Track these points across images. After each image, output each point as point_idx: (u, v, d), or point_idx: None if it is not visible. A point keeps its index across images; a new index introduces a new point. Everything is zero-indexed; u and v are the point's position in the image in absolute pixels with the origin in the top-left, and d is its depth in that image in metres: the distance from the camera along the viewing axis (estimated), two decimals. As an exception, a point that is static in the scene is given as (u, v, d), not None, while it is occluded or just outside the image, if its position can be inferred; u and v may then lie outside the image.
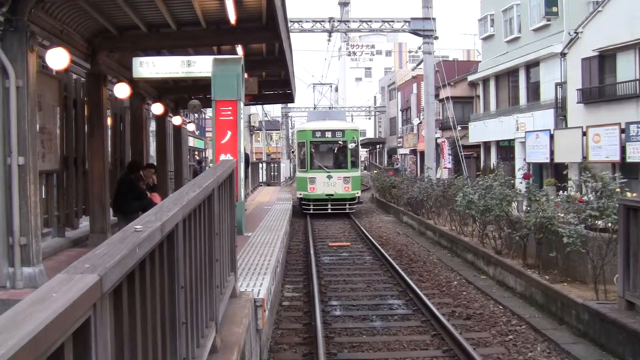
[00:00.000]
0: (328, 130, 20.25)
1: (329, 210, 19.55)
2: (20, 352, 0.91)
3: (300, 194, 20.17)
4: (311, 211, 19.32)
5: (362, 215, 20.65)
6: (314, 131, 20.21)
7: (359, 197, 20.88)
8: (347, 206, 19.76)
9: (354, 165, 20.22)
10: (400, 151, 46.29)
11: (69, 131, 8.54)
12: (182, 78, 10.86)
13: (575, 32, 20.26)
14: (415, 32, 21.10)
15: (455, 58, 45.95)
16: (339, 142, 20.09)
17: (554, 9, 21.71)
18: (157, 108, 13.06)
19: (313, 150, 20.16)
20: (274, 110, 58.19)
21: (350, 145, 19.88)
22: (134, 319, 1.73)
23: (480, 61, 30.79)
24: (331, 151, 20.56)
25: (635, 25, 17.21)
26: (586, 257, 7.16)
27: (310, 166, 19.87)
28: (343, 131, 20.12)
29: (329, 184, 19.56)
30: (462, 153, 20.42)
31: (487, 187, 10.33)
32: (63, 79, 8.35)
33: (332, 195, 19.57)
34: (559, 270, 7.87)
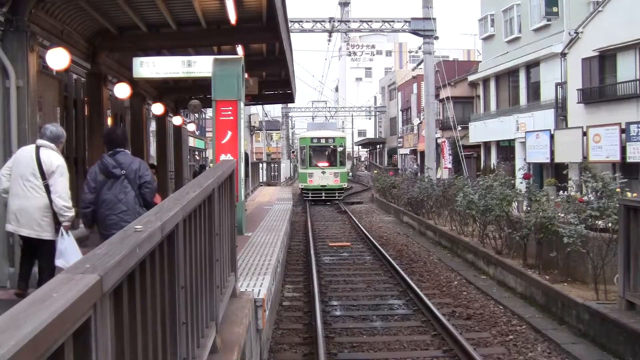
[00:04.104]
0: (323, 138, 27.31)
1: (323, 197, 25.63)
2: (21, 352, 0.91)
3: (302, 185, 26.90)
4: (310, 197, 25.46)
5: (363, 215, 20.68)
6: (312, 138, 27.33)
7: (346, 187, 28.14)
8: (337, 194, 25.98)
9: (342, 163, 26.98)
10: (401, 151, 46.27)
11: (69, 131, 8.53)
12: (183, 78, 10.86)
13: (576, 32, 20.24)
14: (415, 32, 21.08)
15: (455, 58, 45.96)
16: (331, 146, 26.99)
17: (554, 9, 21.69)
18: (157, 108, 13.07)
19: (311, 152, 26.77)
20: (274, 110, 58.21)
21: (339, 149, 26.88)
22: (134, 319, 1.73)
23: (480, 61, 30.76)
24: (325, 153, 27.10)
25: (635, 25, 17.19)
26: (586, 257, 7.16)
27: (309, 164, 26.45)
28: (334, 138, 27.30)
29: (323, 177, 25.91)
30: (463, 153, 20.40)
31: (488, 187, 10.33)
32: (63, 79, 8.35)
33: (326, 186, 25.89)
34: (559, 270, 7.87)
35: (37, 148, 4.99)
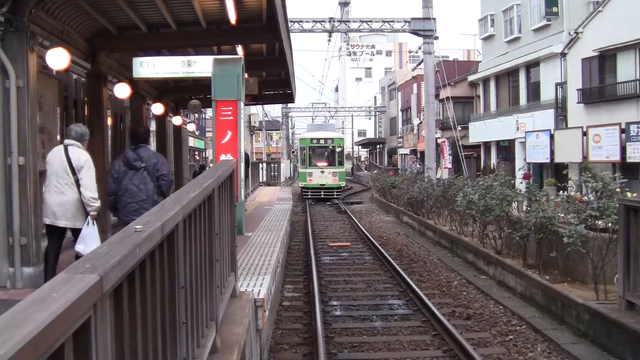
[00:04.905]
0: (322, 139, 28.22)
1: (322, 196, 26.39)
2: (21, 352, 0.91)
3: (301, 184, 27.71)
4: (309, 196, 26.23)
5: (362, 215, 20.68)
6: (311, 139, 28.25)
7: (344, 186, 29.23)
8: (335, 193, 26.77)
9: (340, 163, 27.79)
10: (401, 151, 46.25)
11: (69, 131, 8.54)
12: (182, 78, 10.86)
13: (576, 32, 20.24)
14: (415, 32, 21.08)
15: (455, 58, 45.92)
16: (330, 146, 27.81)
17: (554, 9, 21.68)
18: (157, 108, 13.06)
19: (311, 152, 27.65)
20: (274, 110, 58.24)
21: (338, 149, 27.66)
22: (134, 319, 1.73)
23: (480, 61, 30.76)
24: (324, 153, 27.88)
25: (635, 25, 17.19)
26: (586, 257, 7.16)
27: (309, 164, 27.25)
28: (332, 139, 28.14)
29: (322, 176, 26.71)
30: (462, 153, 20.38)
31: (487, 187, 10.33)
32: (63, 79, 8.35)
33: (324, 185, 26.69)
34: (559, 270, 7.87)
35: (65, 147, 5.47)
